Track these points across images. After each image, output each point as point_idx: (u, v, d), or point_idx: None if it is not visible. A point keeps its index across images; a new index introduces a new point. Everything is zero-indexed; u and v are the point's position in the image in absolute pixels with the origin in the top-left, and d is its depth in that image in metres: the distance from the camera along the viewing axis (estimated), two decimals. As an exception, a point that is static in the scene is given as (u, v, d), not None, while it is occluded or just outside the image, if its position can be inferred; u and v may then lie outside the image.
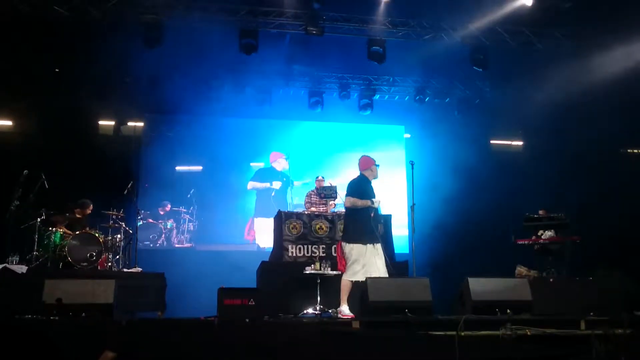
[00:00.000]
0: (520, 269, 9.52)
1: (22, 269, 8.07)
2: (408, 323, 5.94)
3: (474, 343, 5.42)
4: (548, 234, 10.16)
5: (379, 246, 6.97)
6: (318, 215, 9.16)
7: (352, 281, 6.80)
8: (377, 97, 13.47)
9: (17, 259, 8.41)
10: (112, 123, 12.90)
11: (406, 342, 5.58)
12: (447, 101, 13.61)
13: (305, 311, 7.64)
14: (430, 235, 11.97)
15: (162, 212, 12.56)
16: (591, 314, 6.41)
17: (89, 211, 9.68)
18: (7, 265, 8.08)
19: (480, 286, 6.77)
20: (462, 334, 5.36)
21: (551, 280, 9.21)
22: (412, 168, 8.27)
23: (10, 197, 8.70)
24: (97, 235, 8.90)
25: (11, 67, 11.15)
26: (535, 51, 11.65)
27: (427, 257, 11.26)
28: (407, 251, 12.26)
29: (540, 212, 10.19)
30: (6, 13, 9.73)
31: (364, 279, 6.60)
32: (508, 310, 6.38)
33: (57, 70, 11.35)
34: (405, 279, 7.44)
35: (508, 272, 9.22)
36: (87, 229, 9.09)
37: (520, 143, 14.77)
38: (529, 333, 5.45)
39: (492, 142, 14.52)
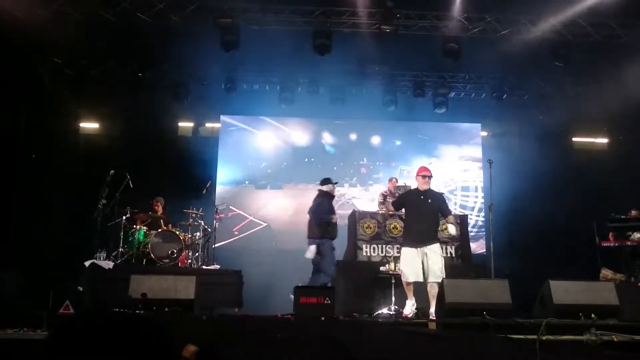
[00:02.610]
0: (606, 272, 9.09)
1: (108, 264, 8.48)
2: (486, 325, 5.81)
3: (556, 348, 5.24)
4: (637, 235, 9.64)
5: (431, 247, 6.98)
6: (392, 215, 9.09)
7: (408, 282, 7.00)
8: (452, 94, 13.21)
9: (104, 255, 8.84)
10: (191, 124, 13.39)
11: (484, 345, 5.46)
12: (526, 98, 13.15)
13: (379, 311, 7.61)
14: (508, 236, 11.62)
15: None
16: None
17: (161, 208, 10.06)
18: (95, 261, 8.50)
19: (562, 289, 6.55)
20: (544, 338, 5.20)
21: (639, 284, 8.75)
22: (490, 167, 8.07)
23: (98, 197, 9.16)
24: (177, 233, 9.21)
25: (97, 73, 11.76)
26: (620, 44, 11.06)
27: (506, 258, 10.94)
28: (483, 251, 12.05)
29: (633, 212, 9.69)
30: (92, 21, 10.22)
31: (415, 280, 6.90)
32: (592, 315, 6.12)
33: (140, 74, 11.83)
34: (483, 280, 7.28)
35: (593, 276, 8.83)
36: (169, 226, 9.42)
37: (605, 141, 14.09)
38: (615, 339, 5.23)
39: (574, 139, 13.94)
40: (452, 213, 7.53)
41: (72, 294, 5.54)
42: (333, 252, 8.59)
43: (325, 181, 8.89)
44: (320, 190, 8.82)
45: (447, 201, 7.75)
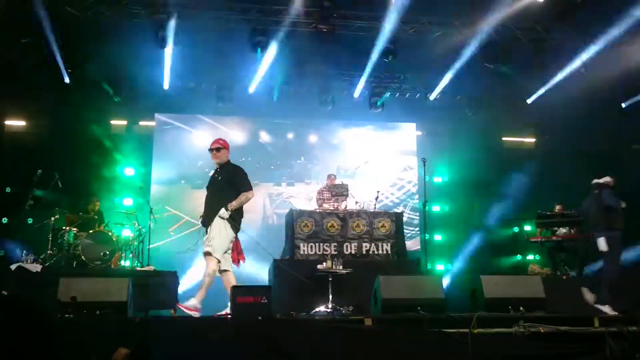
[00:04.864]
0: (533, 267, 9.48)
1: (36, 267, 8.15)
2: (421, 320, 5.93)
3: (487, 340, 5.40)
4: (563, 231, 10.10)
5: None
6: (330, 214, 9.16)
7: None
8: (387, 94, 13.41)
9: (32, 258, 8.49)
10: (125, 123, 13.04)
11: (419, 340, 5.57)
12: (458, 98, 13.54)
13: (317, 309, 7.65)
14: (442, 233, 11.96)
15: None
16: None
17: (96, 207, 9.78)
18: (22, 264, 8.16)
19: (493, 284, 6.76)
20: (475, 331, 5.34)
21: (564, 277, 9.17)
22: (425, 165, 8.26)
23: (24, 197, 8.79)
24: (110, 233, 8.96)
25: (25, 68, 11.24)
26: (545, 47, 11.55)
27: (439, 254, 11.24)
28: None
29: (557, 207, 10.13)
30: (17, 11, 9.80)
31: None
32: (521, 308, 6.36)
33: (69, 70, 11.43)
34: (417, 276, 7.44)
35: (521, 271, 9.19)
36: (101, 227, 9.15)
37: (532, 140, 14.68)
38: (542, 330, 5.42)
39: (504, 139, 14.45)
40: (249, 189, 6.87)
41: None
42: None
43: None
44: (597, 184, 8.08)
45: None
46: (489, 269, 9.35)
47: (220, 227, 6.67)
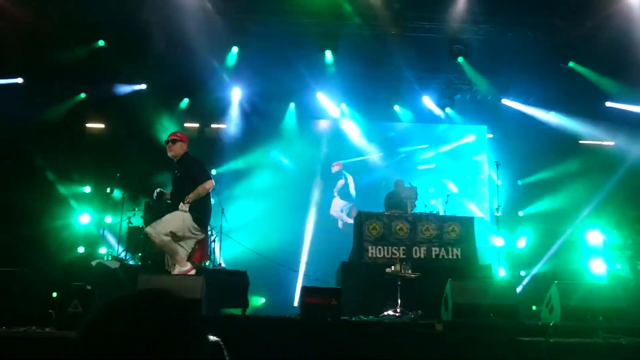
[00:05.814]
0: (616, 274, 9.06)
1: (115, 264, 8.50)
2: (493, 327, 5.80)
3: (563, 351, 5.22)
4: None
5: None
6: (398, 216, 9.10)
7: None
8: (458, 96, 13.22)
9: (112, 255, 8.88)
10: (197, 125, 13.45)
11: (491, 347, 5.45)
12: (531, 100, 13.17)
13: (385, 313, 7.60)
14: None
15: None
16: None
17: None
18: (102, 261, 8.53)
19: (569, 291, 6.51)
20: (551, 340, 5.18)
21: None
22: (497, 168, 8.08)
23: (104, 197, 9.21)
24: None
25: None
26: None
27: (511, 260, 10.94)
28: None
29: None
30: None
31: None
32: (600, 318, 6.10)
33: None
34: (489, 281, 7.27)
35: (602, 279, 8.81)
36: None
37: (611, 143, 14.05)
38: (623, 342, 5.19)
39: (580, 142, 13.90)
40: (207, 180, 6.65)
41: (78, 293, 5.55)
42: None
43: None
44: None
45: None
46: (566, 276, 8.99)
47: (177, 215, 6.43)
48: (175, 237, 6.44)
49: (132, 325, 1.14)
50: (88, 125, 12.72)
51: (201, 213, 6.61)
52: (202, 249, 6.97)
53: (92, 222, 10.84)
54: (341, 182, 12.44)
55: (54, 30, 10.18)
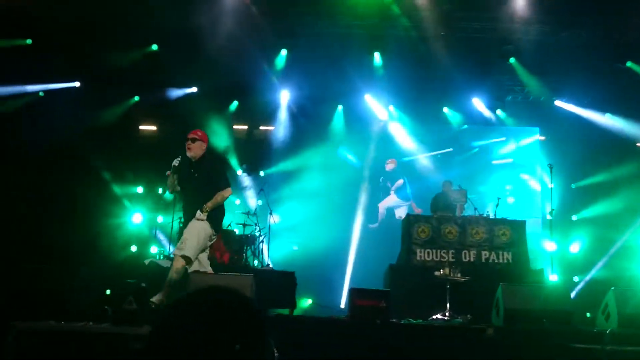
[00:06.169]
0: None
1: (166, 263, 8.69)
2: (546, 333, 5.68)
3: (621, 358, 5.07)
4: None
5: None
6: (448, 219, 9.00)
7: None
8: (509, 97, 12.99)
9: (163, 254, 9.09)
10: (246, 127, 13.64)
11: (544, 353, 5.34)
12: (586, 102, 12.79)
13: (434, 316, 7.53)
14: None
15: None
16: None
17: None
18: (154, 260, 8.74)
19: (627, 298, 6.31)
20: (608, 348, 5.03)
21: None
22: (551, 171, 7.90)
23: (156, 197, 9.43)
24: (233, 232, 9.36)
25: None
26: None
27: (565, 265, 10.65)
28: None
29: None
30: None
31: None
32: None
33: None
34: (543, 285, 7.12)
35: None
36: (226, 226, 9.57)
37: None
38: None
39: (638, 145, 13.43)
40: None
41: (133, 290, 5.70)
42: None
43: None
44: None
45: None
46: (623, 283, 8.70)
47: (197, 228, 6.26)
48: (200, 250, 6.38)
49: (202, 320, 1.17)
50: (141, 127, 13.04)
51: (218, 219, 6.50)
52: (218, 248, 6.89)
53: (144, 222, 11.11)
54: (400, 181, 12.31)
55: (109, 35, 10.51)
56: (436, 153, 13.21)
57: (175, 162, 6.36)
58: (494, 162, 13.30)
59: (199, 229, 6.26)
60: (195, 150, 6.36)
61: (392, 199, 12.36)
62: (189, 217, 6.41)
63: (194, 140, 6.37)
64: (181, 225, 6.67)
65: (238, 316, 1.21)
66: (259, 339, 1.19)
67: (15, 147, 10.13)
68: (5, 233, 8.89)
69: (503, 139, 13.44)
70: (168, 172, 6.41)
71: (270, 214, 10.36)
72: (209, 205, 6.26)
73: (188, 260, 6.23)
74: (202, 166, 6.44)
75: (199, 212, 6.24)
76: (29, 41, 10.78)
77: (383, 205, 12.46)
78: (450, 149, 13.21)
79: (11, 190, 9.57)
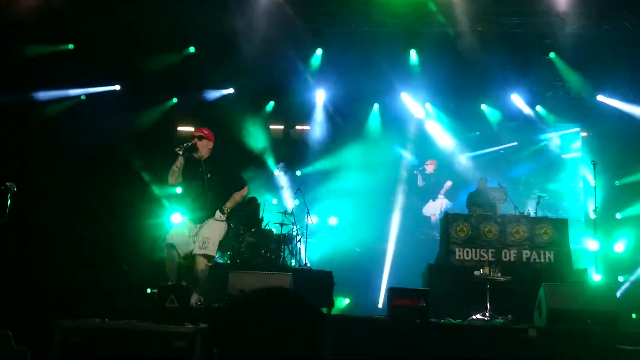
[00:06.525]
0: None
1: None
2: (591, 334, 5.54)
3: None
4: None
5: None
6: (487, 218, 8.87)
7: None
8: (549, 93, 12.72)
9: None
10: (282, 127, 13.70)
11: (589, 355, 5.22)
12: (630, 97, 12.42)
13: (473, 316, 7.43)
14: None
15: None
16: None
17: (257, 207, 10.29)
18: (193, 259, 8.84)
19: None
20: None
21: None
22: (594, 168, 7.71)
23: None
24: (270, 232, 9.42)
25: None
26: None
27: (611, 265, 10.38)
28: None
29: None
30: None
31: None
32: None
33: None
34: (587, 286, 6.95)
35: None
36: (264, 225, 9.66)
37: None
38: None
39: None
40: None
41: (175, 289, 5.79)
42: None
43: None
44: None
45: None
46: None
47: (218, 228, 6.29)
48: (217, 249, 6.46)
49: (261, 319, 1.18)
50: (179, 128, 13.23)
51: (233, 218, 6.68)
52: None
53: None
54: (449, 183, 12.19)
55: (148, 39, 10.71)
56: (499, 148, 12.93)
57: (185, 145, 6.29)
58: (564, 156, 12.99)
59: (220, 228, 6.34)
60: (201, 148, 6.29)
61: (441, 202, 12.20)
62: (199, 215, 6.33)
63: (200, 138, 6.29)
64: (184, 222, 6.53)
65: (302, 317, 1.22)
66: (322, 339, 1.21)
67: (58, 150, 10.38)
68: (49, 234, 9.11)
69: (577, 129, 13.13)
70: (179, 150, 6.25)
71: (308, 213, 10.38)
72: (229, 205, 6.33)
73: (210, 259, 6.30)
74: (215, 166, 6.41)
75: (218, 212, 6.28)
76: (70, 46, 11.09)
77: (431, 211, 12.25)
78: (515, 143, 12.91)
79: (55, 192, 9.81)
